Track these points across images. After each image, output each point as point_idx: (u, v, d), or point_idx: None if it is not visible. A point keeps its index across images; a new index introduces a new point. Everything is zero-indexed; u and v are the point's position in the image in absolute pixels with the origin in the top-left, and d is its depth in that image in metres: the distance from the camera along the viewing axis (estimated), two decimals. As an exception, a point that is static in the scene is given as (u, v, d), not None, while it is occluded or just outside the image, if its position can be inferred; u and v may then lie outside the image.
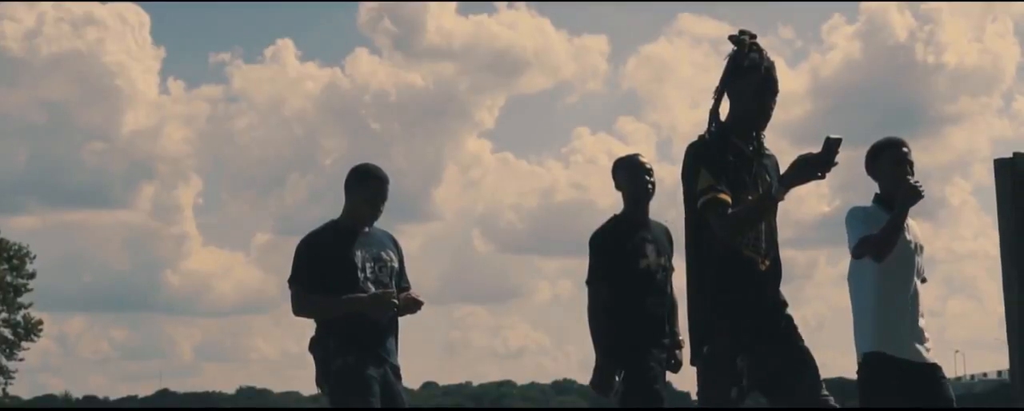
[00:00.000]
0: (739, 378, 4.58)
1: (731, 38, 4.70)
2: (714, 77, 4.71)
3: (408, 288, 5.94)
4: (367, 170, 5.88)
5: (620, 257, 6.16)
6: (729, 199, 4.54)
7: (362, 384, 5.64)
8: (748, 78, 4.63)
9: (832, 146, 4.40)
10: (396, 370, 5.81)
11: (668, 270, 6.29)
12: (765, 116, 4.68)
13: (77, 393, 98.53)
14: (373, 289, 5.75)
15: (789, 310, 4.76)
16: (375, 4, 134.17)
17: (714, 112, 4.68)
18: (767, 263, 4.68)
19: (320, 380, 5.77)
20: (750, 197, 4.59)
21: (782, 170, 4.64)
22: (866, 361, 5.47)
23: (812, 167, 4.45)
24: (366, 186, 5.85)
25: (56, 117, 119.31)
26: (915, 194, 5.31)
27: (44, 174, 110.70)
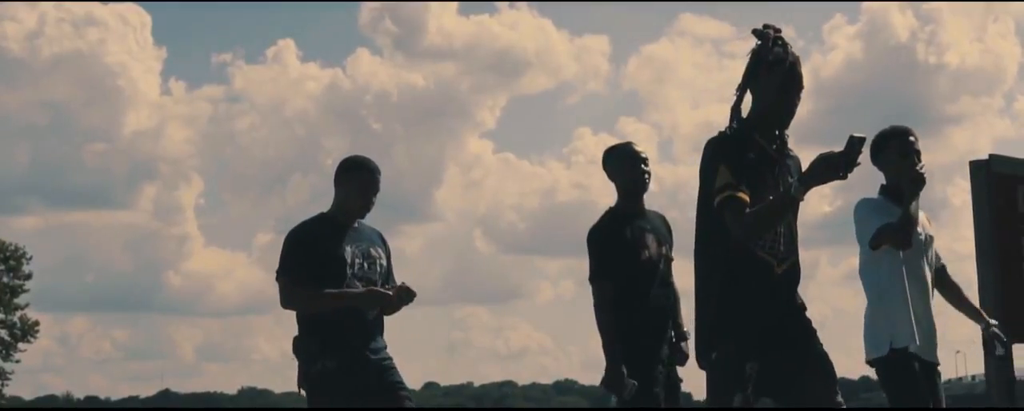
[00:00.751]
0: (746, 384, 4.41)
1: (755, 31, 4.53)
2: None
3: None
4: (357, 161, 5.73)
5: (621, 250, 6.01)
6: (748, 198, 4.38)
7: (339, 391, 5.48)
8: (773, 73, 4.47)
9: (855, 145, 4.24)
10: (384, 363, 5.60)
11: (670, 260, 6.16)
12: (790, 112, 4.52)
13: (78, 393, 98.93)
14: (360, 286, 5.57)
15: (808, 314, 4.59)
16: (376, 4, 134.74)
17: (736, 108, 4.51)
18: (783, 267, 4.52)
19: (300, 382, 5.61)
20: (771, 197, 4.42)
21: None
22: (895, 358, 5.33)
23: (833, 166, 4.26)
24: (357, 177, 5.69)
25: (57, 118, 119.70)
26: (919, 180, 5.24)
27: (46, 175, 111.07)
